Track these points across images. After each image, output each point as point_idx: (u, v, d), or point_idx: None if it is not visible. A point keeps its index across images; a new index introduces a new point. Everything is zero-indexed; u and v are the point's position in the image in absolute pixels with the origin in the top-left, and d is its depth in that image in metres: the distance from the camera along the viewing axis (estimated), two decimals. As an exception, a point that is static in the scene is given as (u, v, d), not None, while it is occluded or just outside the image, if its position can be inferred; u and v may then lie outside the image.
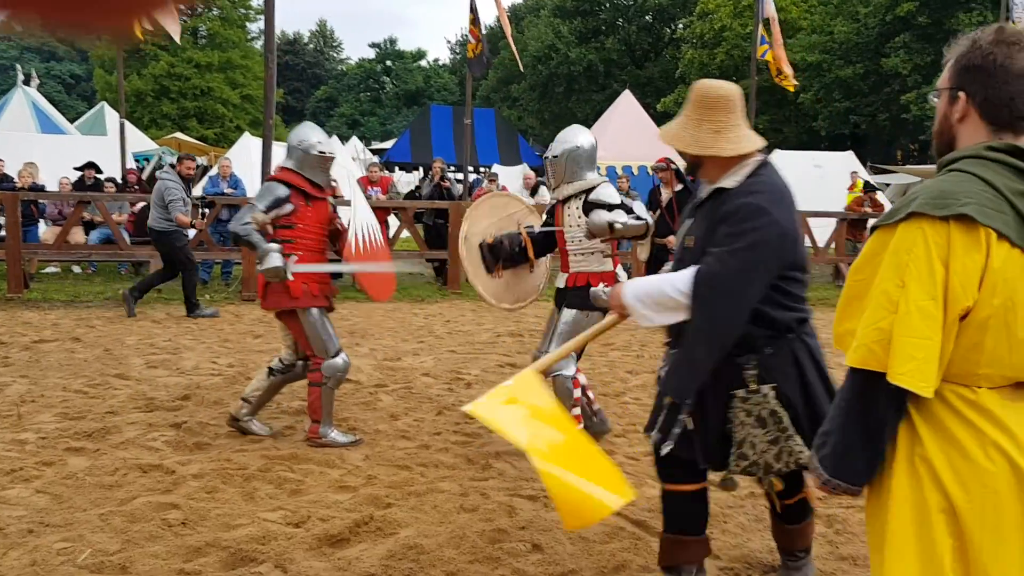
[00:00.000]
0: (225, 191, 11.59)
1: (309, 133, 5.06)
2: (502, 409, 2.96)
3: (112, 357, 7.13)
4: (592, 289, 3.44)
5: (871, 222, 1.90)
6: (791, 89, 15.87)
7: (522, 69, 17.10)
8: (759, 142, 2.91)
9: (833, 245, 13.56)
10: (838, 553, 3.63)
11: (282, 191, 4.86)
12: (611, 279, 4.71)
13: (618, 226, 4.54)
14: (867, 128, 33.06)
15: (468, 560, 3.47)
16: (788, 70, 15.05)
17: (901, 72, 29.67)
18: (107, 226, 11.50)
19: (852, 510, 4.10)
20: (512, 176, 18.83)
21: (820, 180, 19.96)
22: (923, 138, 32.47)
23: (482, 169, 26.34)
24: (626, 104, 21.70)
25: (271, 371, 5.10)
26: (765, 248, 2.71)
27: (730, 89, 2.92)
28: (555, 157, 4.90)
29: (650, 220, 4.72)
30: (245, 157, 16.24)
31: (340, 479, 4.37)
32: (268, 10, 10.72)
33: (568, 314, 4.77)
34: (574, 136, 4.96)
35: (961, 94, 1.85)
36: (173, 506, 3.93)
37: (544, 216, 5.14)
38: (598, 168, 17.25)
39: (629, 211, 4.68)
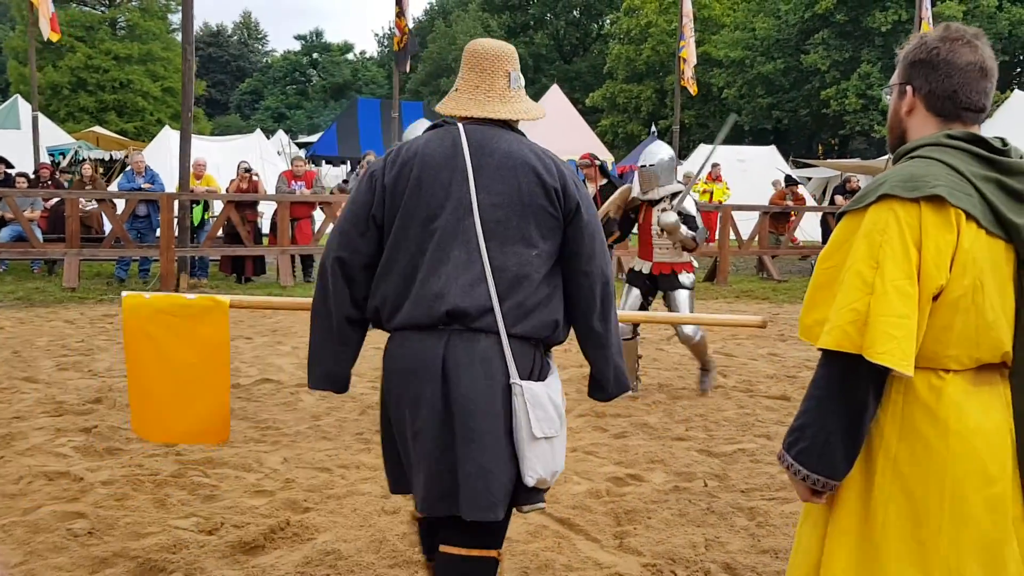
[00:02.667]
0: (142, 186, 11.22)
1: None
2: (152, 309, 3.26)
3: (21, 359, 6.82)
4: None
5: (841, 205, 1.96)
6: (693, 91, 16.08)
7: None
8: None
9: (757, 238, 13.81)
10: (760, 547, 3.65)
11: None
12: (690, 268, 6.23)
13: (682, 231, 5.91)
14: (789, 123, 33.82)
15: (388, 565, 3.38)
16: (689, 72, 15.24)
17: (820, 68, 30.41)
18: (18, 223, 11.03)
19: (774, 502, 4.14)
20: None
21: (744, 174, 20.33)
22: (843, 132, 33.37)
23: (411, 163, 26.16)
24: (554, 98, 21.76)
25: None
26: None
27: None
28: (651, 166, 6.09)
29: (699, 238, 6.02)
30: (165, 151, 15.81)
31: (257, 483, 4.23)
32: (186, 0, 10.40)
33: (683, 294, 6.09)
34: (663, 150, 6.26)
35: (908, 88, 1.91)
36: (79, 515, 3.75)
37: (630, 213, 6.29)
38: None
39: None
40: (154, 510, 3.86)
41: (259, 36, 72.23)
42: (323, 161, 27.12)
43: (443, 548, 2.43)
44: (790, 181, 15.79)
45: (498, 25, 46.37)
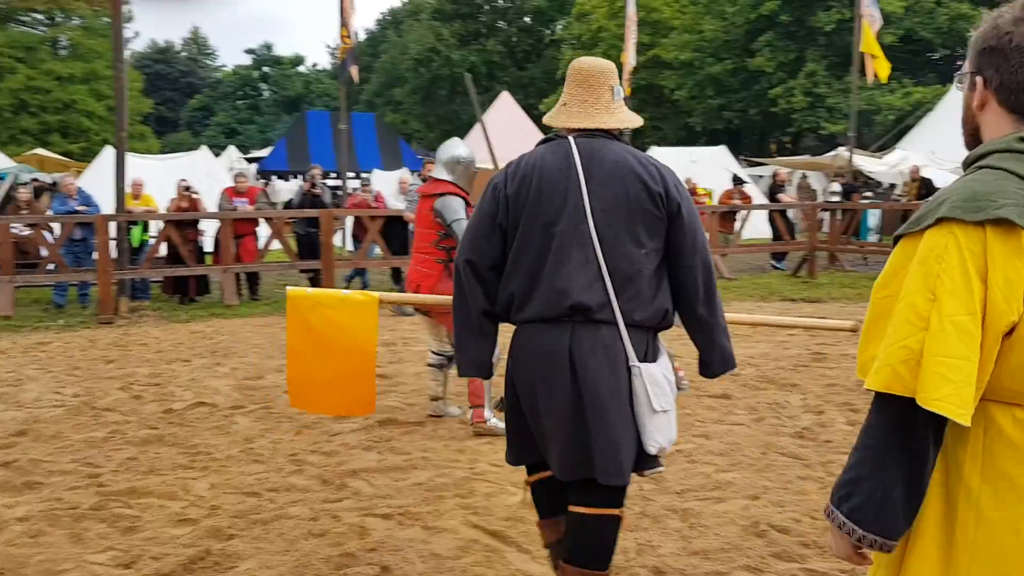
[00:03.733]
0: (76, 208, 10.96)
1: (467, 149, 5.70)
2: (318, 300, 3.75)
3: (-55, 393, 6.59)
4: None
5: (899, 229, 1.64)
6: (626, 92, 16.18)
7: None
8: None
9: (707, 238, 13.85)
10: (690, 548, 3.61)
11: (463, 202, 5.42)
12: None
13: None
14: (740, 123, 34.16)
15: (309, 590, 3.28)
16: (625, 75, 15.30)
17: (767, 69, 30.77)
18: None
19: (707, 502, 4.11)
20: (389, 181, 18.58)
21: (696, 176, 20.46)
22: (792, 130, 33.77)
23: (363, 174, 25.99)
24: (504, 105, 21.73)
25: (435, 367, 5.71)
26: None
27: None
28: None
29: None
30: (109, 171, 15.47)
31: (181, 512, 4.10)
32: (115, 18, 10.20)
33: None
34: None
35: (978, 79, 1.64)
36: (-10, 555, 3.60)
37: None
38: (475, 171, 17.06)
39: None
40: (70, 545, 3.72)
41: (208, 51, 71.46)
42: (272, 176, 26.81)
43: (576, 508, 2.76)
44: (737, 181, 15.92)
45: (450, 34, 46.34)
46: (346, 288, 12.69)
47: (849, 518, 1.58)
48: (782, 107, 30.26)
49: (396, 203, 13.25)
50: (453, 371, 5.67)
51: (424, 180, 9.46)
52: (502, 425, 5.20)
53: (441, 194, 5.44)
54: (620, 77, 11.96)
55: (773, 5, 30.25)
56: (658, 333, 2.81)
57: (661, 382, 2.67)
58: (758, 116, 33.06)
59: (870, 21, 17.72)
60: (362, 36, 49.86)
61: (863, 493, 1.57)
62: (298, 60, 67.20)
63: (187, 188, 11.69)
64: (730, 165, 21.58)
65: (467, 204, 5.44)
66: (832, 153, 23.01)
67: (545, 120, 2.89)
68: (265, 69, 64.71)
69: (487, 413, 5.36)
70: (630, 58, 14.67)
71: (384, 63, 51.43)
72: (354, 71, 13.74)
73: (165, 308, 11.04)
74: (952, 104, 25.16)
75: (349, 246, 14.06)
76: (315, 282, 12.36)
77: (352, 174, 21.70)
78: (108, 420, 5.75)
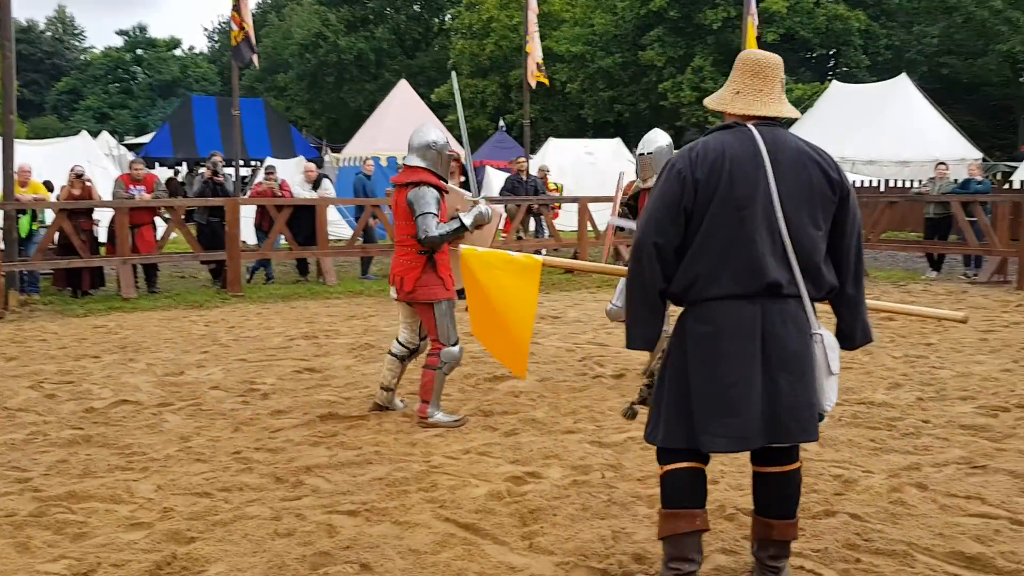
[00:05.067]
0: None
1: (440, 134, 5.51)
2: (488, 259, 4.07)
3: None
4: None
5: None
6: (545, 82, 16.27)
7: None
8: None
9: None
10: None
11: (437, 194, 5.26)
12: None
13: None
14: (630, 116, 34.85)
15: (292, 591, 3.17)
16: (532, 66, 15.38)
17: (657, 63, 31.49)
18: None
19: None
20: (289, 169, 18.07)
21: (592, 166, 20.77)
22: (679, 124, 34.68)
23: (253, 162, 25.18)
24: (403, 94, 21.45)
25: (397, 357, 5.56)
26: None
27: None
28: (649, 153, 6.15)
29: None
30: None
31: (131, 515, 3.88)
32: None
33: None
34: (660, 137, 6.28)
35: None
36: (-76, 571, 3.31)
37: (628, 199, 6.36)
38: (377, 160, 16.85)
39: None
40: (17, 555, 3.46)
41: (75, 32, 67.68)
42: (155, 163, 25.67)
43: (768, 469, 3.03)
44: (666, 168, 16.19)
45: (337, 19, 45.36)
46: (249, 280, 12.30)
47: None
48: (671, 101, 31.04)
49: (302, 192, 12.91)
50: (411, 364, 5.70)
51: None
52: (447, 419, 5.20)
53: (417, 183, 5.23)
54: (526, 68, 11.90)
55: (662, 1, 30.96)
56: None
57: (835, 346, 2.95)
58: (647, 109, 33.83)
59: (753, 20, 18.37)
60: (244, 19, 48.18)
61: None
62: (174, 43, 64.49)
63: (79, 175, 11.04)
64: (626, 157, 21.98)
65: (442, 192, 5.29)
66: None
67: (714, 105, 3.07)
68: (139, 52, 61.78)
69: (431, 409, 5.31)
70: (536, 49, 14.68)
71: (266, 47, 49.92)
72: (254, 58, 13.24)
73: (58, 302, 10.43)
74: (830, 101, 26.41)
75: (249, 237, 13.60)
76: (217, 273, 11.94)
77: (242, 162, 21.04)
78: (24, 421, 5.40)
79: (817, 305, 3.02)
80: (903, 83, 25.60)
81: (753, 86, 2.98)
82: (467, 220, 5.32)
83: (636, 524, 3.77)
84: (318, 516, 3.87)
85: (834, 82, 27.49)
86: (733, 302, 2.85)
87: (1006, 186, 20.23)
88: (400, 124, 20.06)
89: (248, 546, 3.55)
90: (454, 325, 5.39)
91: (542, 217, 14.93)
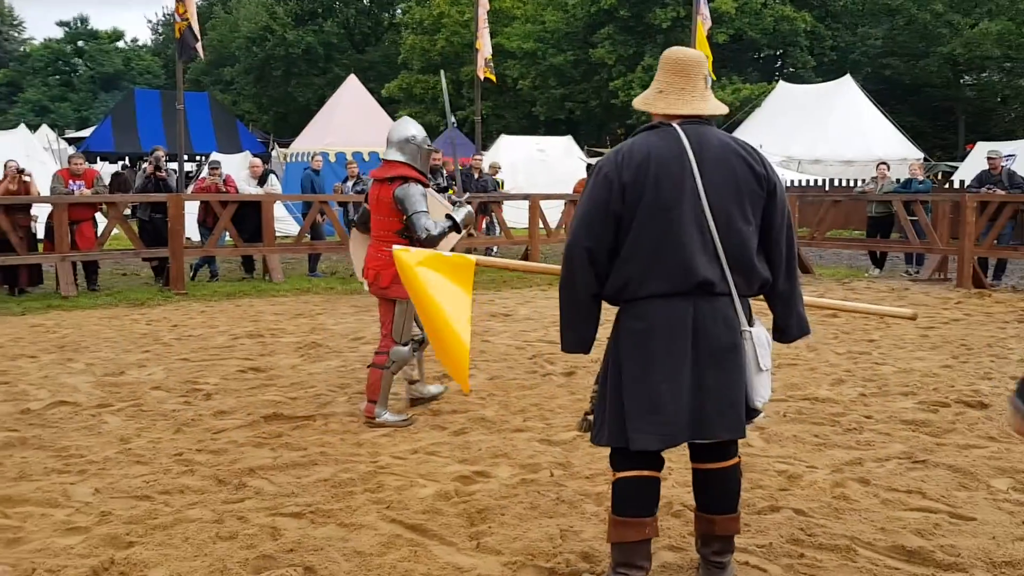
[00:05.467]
0: None
1: (420, 128, 5.41)
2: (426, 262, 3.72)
3: None
4: None
5: None
6: (492, 78, 16.28)
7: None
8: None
9: (563, 226, 14.12)
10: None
11: (423, 189, 5.20)
12: None
13: None
14: (581, 114, 34.98)
15: (233, 597, 3.09)
16: (481, 62, 15.39)
17: (608, 61, 31.65)
18: None
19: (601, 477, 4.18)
20: (235, 164, 17.76)
21: (544, 163, 20.81)
22: (630, 122, 34.91)
23: (198, 157, 24.71)
24: (352, 89, 21.23)
25: (419, 343, 5.54)
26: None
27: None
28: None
29: None
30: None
31: (67, 520, 3.76)
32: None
33: None
34: None
35: None
36: None
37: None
38: (326, 155, 16.69)
39: None
40: (-57, 564, 3.33)
41: (14, 22, 65.78)
42: (96, 158, 25.06)
43: (704, 465, 3.07)
44: (591, 169, 16.27)
45: (285, 12, 44.77)
46: (193, 277, 12.07)
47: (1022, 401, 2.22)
48: (622, 99, 31.23)
49: (248, 187, 12.69)
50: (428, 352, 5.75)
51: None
52: (394, 419, 5.14)
53: (403, 179, 5.14)
54: (477, 64, 11.98)
55: (613, 0, 31.12)
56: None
57: (765, 343, 2.98)
58: (598, 107, 33.99)
59: (703, 20, 18.56)
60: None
61: None
62: (117, 35, 63.05)
63: (20, 170, 10.70)
64: (578, 155, 22.05)
65: (425, 188, 5.24)
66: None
67: (640, 106, 3.06)
68: (80, 43, 60.27)
69: (379, 409, 5.26)
70: (485, 45, 14.65)
71: (212, 40, 49.08)
72: (198, 47, 12.99)
73: (-7, 300, 10.11)
74: (777, 101, 26.82)
75: (193, 234, 13.33)
76: (160, 271, 11.70)
77: (186, 157, 20.62)
78: (-45, 424, 5.21)
79: (753, 301, 3.05)
80: (847, 84, 26.11)
81: (676, 84, 2.97)
82: (459, 216, 5.29)
83: (584, 522, 3.76)
84: (261, 519, 3.79)
85: (781, 82, 27.92)
86: (665, 300, 2.87)
87: (947, 186, 20.73)
88: (349, 120, 19.88)
89: (189, 550, 3.47)
90: (411, 326, 5.34)
91: (493, 215, 14.91)
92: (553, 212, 14.47)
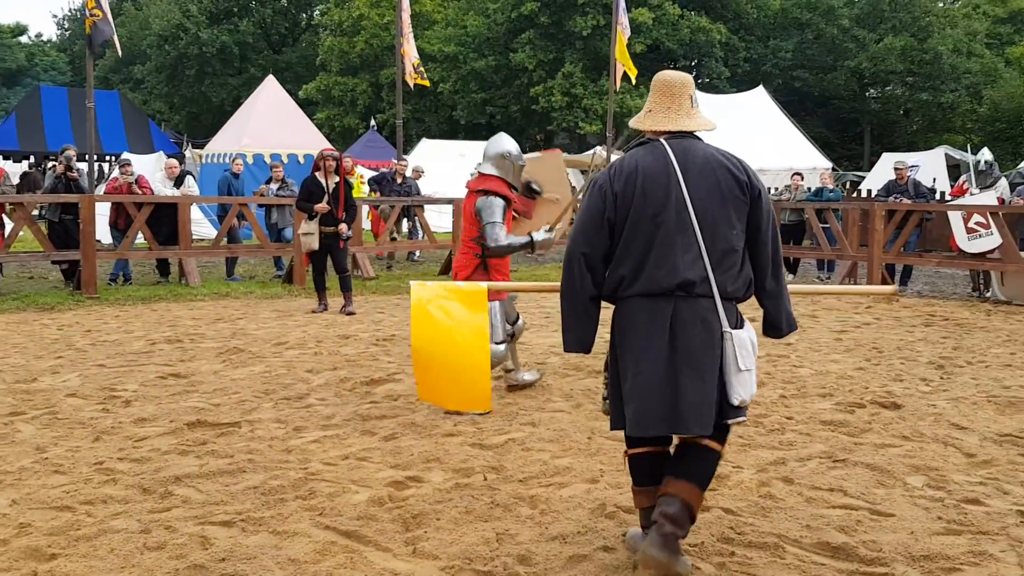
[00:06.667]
0: None
1: (515, 145, 5.89)
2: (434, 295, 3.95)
3: None
4: None
5: None
6: (423, 83, 16.24)
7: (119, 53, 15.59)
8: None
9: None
10: (548, 534, 3.69)
11: (504, 203, 5.65)
12: None
13: None
14: (502, 118, 35.10)
15: (165, 609, 3.01)
16: (408, 68, 15.34)
17: (528, 67, 31.85)
18: None
19: (552, 488, 4.22)
20: (148, 164, 17.26)
21: (465, 168, 20.77)
22: (550, 128, 35.22)
23: (108, 157, 23.90)
24: (270, 90, 20.84)
25: (504, 342, 5.83)
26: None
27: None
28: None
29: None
30: None
31: (-18, 534, 3.60)
32: None
33: None
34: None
35: None
36: None
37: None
38: (244, 156, 16.36)
39: None
40: None
41: (-94, 13, 62.46)
42: (0, 156, 24.01)
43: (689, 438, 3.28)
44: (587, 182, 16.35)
45: (199, 11, 43.62)
46: (111, 282, 11.68)
47: None
48: (542, 105, 31.47)
49: (164, 189, 12.34)
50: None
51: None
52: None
53: (485, 191, 5.62)
54: (401, 69, 11.96)
55: (533, 6, 31.35)
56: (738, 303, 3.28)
57: (747, 345, 3.16)
58: (519, 112, 34.17)
59: (622, 30, 18.88)
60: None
61: None
62: (20, 29, 60.51)
63: (-85, 167, 10.18)
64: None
65: (508, 202, 5.72)
66: (591, 152, 24.27)
67: (634, 125, 3.37)
68: (-21, 37, 57.63)
69: None
70: (411, 50, 14.58)
71: (122, 37, 47.44)
72: (115, 38, 12.56)
73: None
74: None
75: (104, 236, 12.90)
76: (70, 274, 11.28)
77: (96, 156, 19.90)
78: None
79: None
80: (760, 94, 26.86)
81: (662, 104, 3.29)
82: (538, 237, 5.81)
83: (520, 525, 3.78)
84: (190, 528, 3.70)
85: (696, 92, 28.55)
86: (648, 299, 3.13)
87: (855, 194, 21.53)
88: (267, 121, 19.50)
89: (115, 561, 3.36)
90: (500, 326, 5.76)
91: (416, 218, 14.85)
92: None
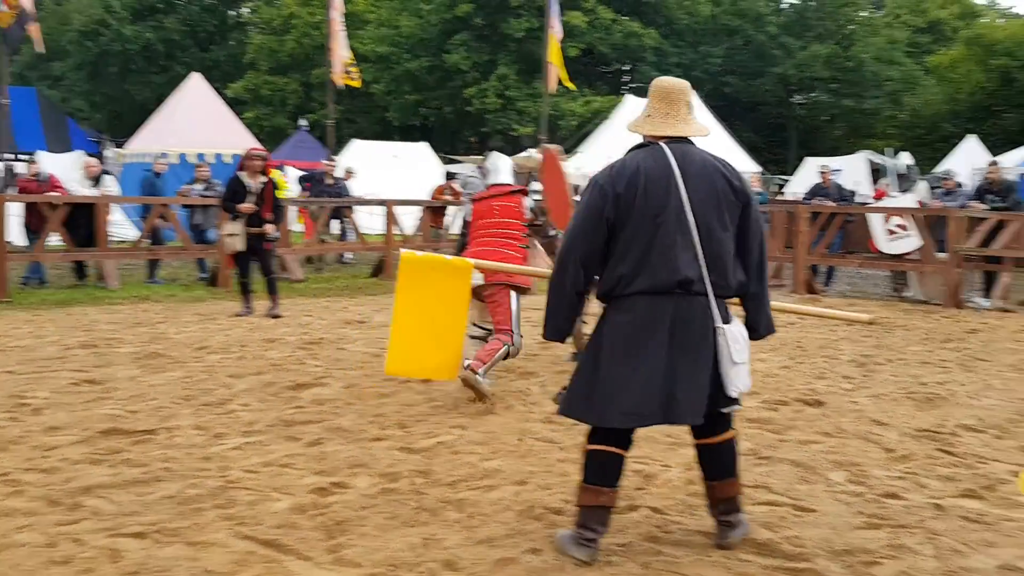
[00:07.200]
0: None
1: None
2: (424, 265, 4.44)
3: None
4: None
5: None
6: (354, 84, 16.08)
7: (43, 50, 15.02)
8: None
9: (420, 232, 14.03)
10: (475, 537, 3.63)
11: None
12: None
13: None
14: (436, 120, 34.96)
15: (68, 627, 2.86)
16: (339, 67, 15.18)
17: (462, 68, 31.78)
18: None
19: (480, 491, 4.16)
20: (66, 164, 16.65)
21: (398, 169, 20.62)
22: (484, 130, 35.19)
23: (23, 156, 23.01)
24: (195, 88, 20.34)
25: (478, 339, 6.18)
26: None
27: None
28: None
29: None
30: None
31: None
32: None
33: None
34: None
35: None
36: None
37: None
38: (168, 156, 15.91)
39: None
40: None
41: None
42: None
43: (701, 441, 3.56)
44: (450, 176, 16.30)
45: (121, 6, 42.38)
46: (24, 285, 11.23)
47: None
48: (476, 107, 31.42)
49: (81, 189, 11.92)
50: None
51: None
52: (487, 385, 5.59)
53: (520, 192, 6.35)
54: (332, 69, 11.79)
55: (467, 7, 31.29)
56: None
57: (739, 339, 3.32)
58: (453, 114, 34.06)
59: (555, 33, 18.99)
60: (15, 0, 43.69)
61: None
62: (-70, 21, 58.03)
63: None
64: (433, 161, 22.00)
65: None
66: (525, 154, 24.25)
67: (632, 129, 3.51)
68: None
69: (483, 371, 5.55)
70: (342, 49, 14.37)
71: (40, 32, 45.92)
72: (34, 30, 12.08)
73: None
74: (626, 113, 27.66)
75: (16, 237, 12.38)
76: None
77: (11, 155, 19.08)
78: None
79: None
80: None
81: (661, 109, 3.43)
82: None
83: (446, 530, 3.71)
84: (100, 540, 3.53)
85: (629, 96, 28.81)
86: (651, 297, 3.26)
87: (779, 197, 22.00)
88: (193, 120, 19.02)
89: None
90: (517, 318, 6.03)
91: (347, 220, 14.66)
92: (408, 218, 14.35)
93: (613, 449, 3.40)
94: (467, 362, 5.91)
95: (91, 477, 4.28)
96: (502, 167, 6.61)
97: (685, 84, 3.51)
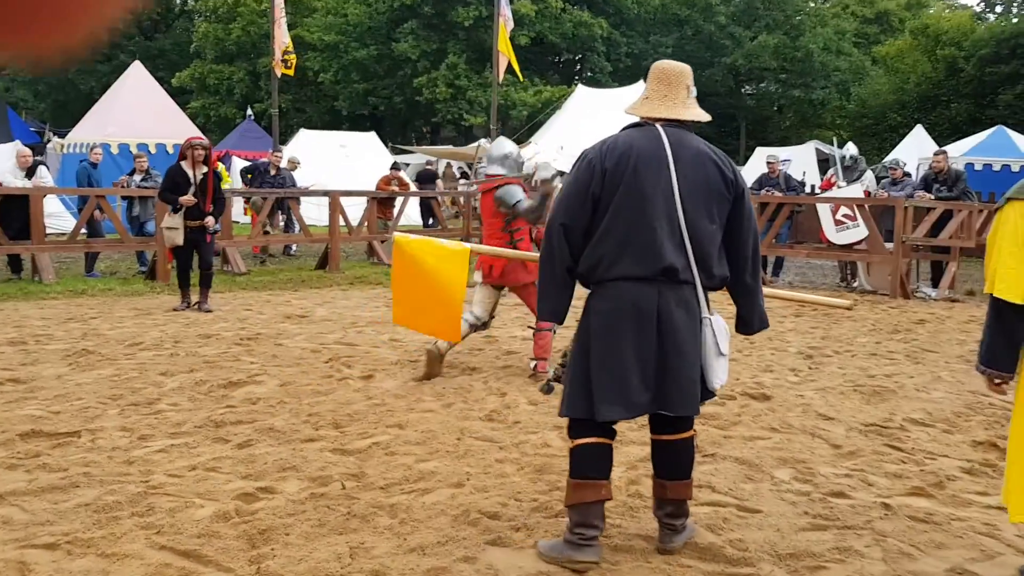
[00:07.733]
0: None
1: (513, 147, 6.57)
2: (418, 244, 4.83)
3: None
4: None
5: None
6: (289, 73, 15.75)
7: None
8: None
9: (366, 224, 13.78)
10: (406, 545, 3.47)
11: (520, 189, 6.20)
12: None
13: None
14: (385, 110, 34.55)
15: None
16: (278, 54, 14.84)
17: (412, 57, 31.42)
18: None
19: (414, 495, 4.00)
20: (5, 155, 16.06)
21: (346, 159, 20.29)
22: (435, 120, 34.87)
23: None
24: (137, 77, 19.77)
25: (473, 326, 6.23)
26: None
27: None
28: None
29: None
30: None
31: None
32: None
33: None
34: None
35: None
36: None
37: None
38: (108, 146, 15.48)
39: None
40: None
41: None
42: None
43: (661, 437, 3.40)
44: (395, 167, 16.05)
45: (62, -8, 41.21)
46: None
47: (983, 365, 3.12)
48: (426, 96, 31.09)
49: (14, 180, 11.46)
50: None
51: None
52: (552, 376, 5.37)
53: (499, 186, 6.12)
54: (274, 56, 11.48)
55: (415, -4, 30.93)
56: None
57: (724, 330, 3.28)
58: (402, 104, 33.68)
59: (505, 22, 18.80)
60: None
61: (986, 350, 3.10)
62: None
63: None
64: (381, 151, 21.69)
65: (523, 188, 6.24)
66: (475, 144, 24.10)
67: (629, 111, 3.43)
68: None
69: (551, 373, 5.20)
70: (283, 36, 14.02)
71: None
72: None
73: None
74: (577, 103, 27.59)
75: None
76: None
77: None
78: None
79: (714, 294, 3.32)
80: (642, 89, 27.21)
81: (659, 92, 3.36)
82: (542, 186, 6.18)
83: (376, 537, 3.54)
84: (8, 552, 3.30)
85: (580, 85, 28.74)
86: (634, 283, 3.17)
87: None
88: (134, 109, 18.47)
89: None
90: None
91: (291, 211, 14.34)
92: (354, 209, 14.09)
93: (603, 440, 3.33)
94: (532, 363, 6.26)
95: (5, 483, 4.04)
96: (494, 155, 6.49)
97: (686, 68, 3.42)
